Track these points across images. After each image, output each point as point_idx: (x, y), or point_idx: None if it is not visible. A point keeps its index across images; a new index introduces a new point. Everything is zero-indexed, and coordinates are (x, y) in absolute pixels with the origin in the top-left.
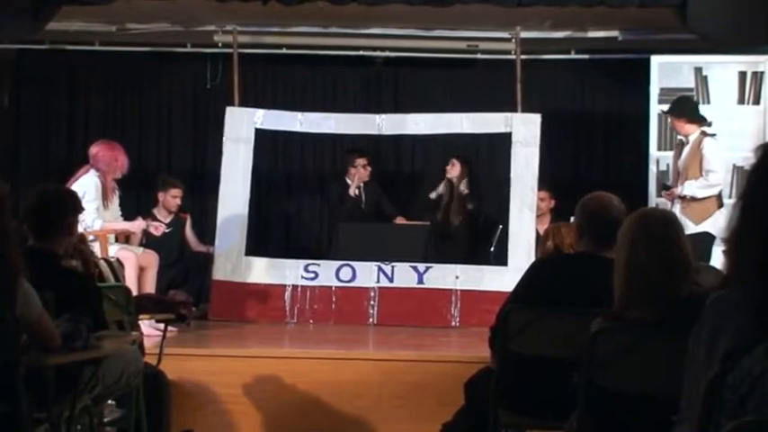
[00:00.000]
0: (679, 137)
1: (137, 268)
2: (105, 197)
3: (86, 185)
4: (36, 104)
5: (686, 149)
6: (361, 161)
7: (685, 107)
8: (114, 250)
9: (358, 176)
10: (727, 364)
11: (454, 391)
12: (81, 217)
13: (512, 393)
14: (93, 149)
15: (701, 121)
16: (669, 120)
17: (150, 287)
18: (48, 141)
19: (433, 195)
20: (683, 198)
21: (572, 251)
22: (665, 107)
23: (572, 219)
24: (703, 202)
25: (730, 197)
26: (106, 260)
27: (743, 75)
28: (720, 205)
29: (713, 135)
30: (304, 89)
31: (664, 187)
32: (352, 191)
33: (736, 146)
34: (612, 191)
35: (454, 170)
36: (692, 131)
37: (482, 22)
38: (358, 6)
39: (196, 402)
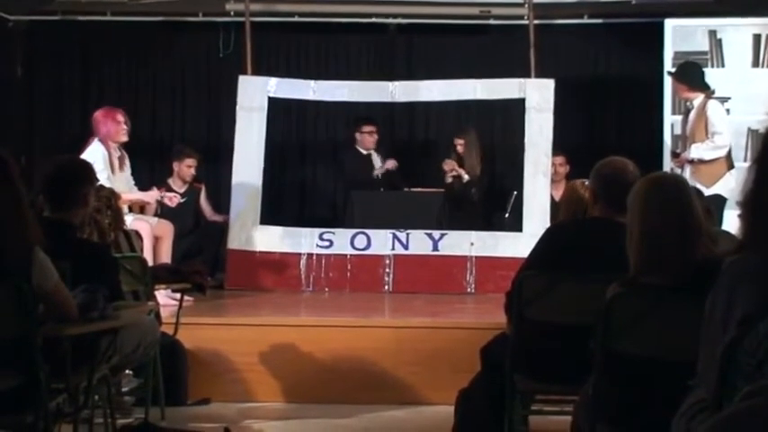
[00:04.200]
0: (687, 103)
1: (152, 238)
2: (111, 165)
3: (93, 156)
4: (49, 76)
5: (692, 114)
6: (367, 128)
7: (688, 74)
8: (129, 221)
9: (363, 143)
10: (743, 329)
11: (470, 358)
12: None
13: (527, 359)
14: (95, 116)
15: (704, 88)
16: (672, 83)
17: (166, 257)
18: (61, 112)
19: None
20: (691, 162)
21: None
22: None
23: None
24: (712, 165)
25: (745, 161)
26: (122, 230)
27: (757, 37)
28: (730, 167)
29: (726, 98)
30: (317, 57)
31: (673, 155)
32: (363, 156)
33: (750, 109)
34: (627, 155)
35: (462, 148)
36: (695, 97)
37: None
38: None
39: (213, 371)
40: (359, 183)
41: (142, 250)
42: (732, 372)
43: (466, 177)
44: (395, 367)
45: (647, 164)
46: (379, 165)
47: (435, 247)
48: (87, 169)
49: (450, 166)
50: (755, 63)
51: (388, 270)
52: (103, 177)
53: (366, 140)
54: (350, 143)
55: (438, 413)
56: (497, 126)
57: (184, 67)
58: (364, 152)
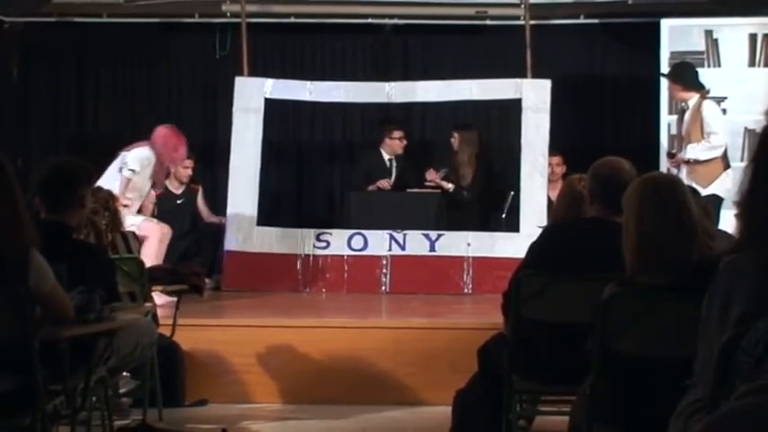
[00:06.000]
0: (681, 103)
1: (160, 241)
2: (156, 178)
3: (142, 155)
4: (45, 77)
5: (687, 114)
6: (397, 133)
7: (683, 74)
8: (139, 221)
9: (392, 148)
10: (742, 327)
11: (468, 358)
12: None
13: (525, 359)
14: (160, 130)
15: (699, 88)
16: (667, 84)
17: (160, 258)
18: (57, 114)
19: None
20: (687, 162)
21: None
22: None
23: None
24: (708, 165)
25: (742, 160)
26: (120, 232)
27: (753, 37)
28: (726, 166)
29: (722, 98)
30: (313, 58)
31: (668, 155)
32: (385, 162)
33: (747, 109)
34: (623, 155)
35: (455, 142)
36: (689, 97)
37: None
38: None
39: (210, 372)
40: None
41: (140, 252)
42: (730, 370)
43: (450, 187)
44: (392, 368)
45: (644, 164)
46: (394, 173)
47: (432, 248)
48: (84, 170)
49: (432, 176)
50: (752, 63)
51: (385, 271)
52: (124, 177)
53: (396, 146)
54: (374, 145)
55: (436, 413)
56: (494, 126)
57: (181, 68)
58: (387, 157)
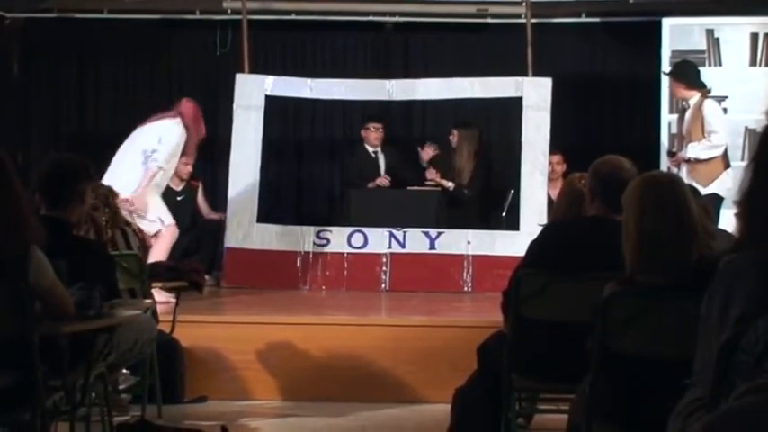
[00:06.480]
0: (681, 102)
1: (172, 242)
2: (186, 152)
3: (172, 131)
4: (45, 73)
5: (688, 113)
6: (372, 125)
7: (686, 72)
8: (168, 220)
9: (369, 140)
10: (741, 327)
11: (467, 356)
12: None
13: (524, 358)
14: (186, 103)
15: (701, 87)
16: (669, 82)
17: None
18: (57, 110)
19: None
20: (687, 161)
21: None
22: None
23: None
24: (709, 164)
25: (742, 160)
26: (119, 228)
27: (755, 36)
28: (727, 166)
29: (723, 98)
30: (314, 55)
31: (669, 154)
32: (371, 154)
33: (747, 108)
34: (623, 154)
35: (454, 140)
36: (691, 96)
37: None
38: None
39: (210, 369)
40: (363, 181)
41: (149, 248)
42: (730, 370)
43: (450, 185)
44: (392, 365)
45: (644, 163)
46: (383, 166)
47: (432, 246)
48: (84, 167)
49: (431, 175)
50: (753, 62)
51: (385, 268)
52: (159, 161)
53: (371, 137)
54: (360, 141)
55: (435, 411)
56: (494, 125)
57: (181, 65)
58: (371, 150)
